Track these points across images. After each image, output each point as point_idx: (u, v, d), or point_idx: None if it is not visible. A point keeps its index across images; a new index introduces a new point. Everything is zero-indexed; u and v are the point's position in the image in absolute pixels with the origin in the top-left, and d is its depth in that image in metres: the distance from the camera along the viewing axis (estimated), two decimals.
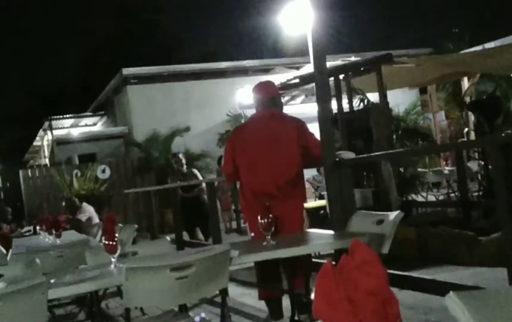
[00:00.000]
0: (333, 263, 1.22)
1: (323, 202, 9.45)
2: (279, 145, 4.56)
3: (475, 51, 13.22)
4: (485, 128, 9.04)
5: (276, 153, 4.55)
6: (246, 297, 6.21)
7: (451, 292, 1.36)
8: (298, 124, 4.69)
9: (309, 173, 14.71)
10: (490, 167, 8.14)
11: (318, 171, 12.56)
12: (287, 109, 5.34)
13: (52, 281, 3.13)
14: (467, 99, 14.03)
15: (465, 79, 14.96)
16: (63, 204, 11.32)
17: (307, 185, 13.17)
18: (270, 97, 4.76)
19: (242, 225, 13.10)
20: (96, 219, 9.57)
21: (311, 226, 4.89)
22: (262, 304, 4.98)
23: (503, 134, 8.85)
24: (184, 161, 10.30)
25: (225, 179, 5.63)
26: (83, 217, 9.44)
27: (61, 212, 11.92)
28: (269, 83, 4.99)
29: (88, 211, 9.68)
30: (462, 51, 14.51)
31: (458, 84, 16.17)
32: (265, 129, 4.63)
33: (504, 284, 3.61)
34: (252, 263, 4.65)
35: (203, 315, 3.16)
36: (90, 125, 22.87)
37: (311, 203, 11.35)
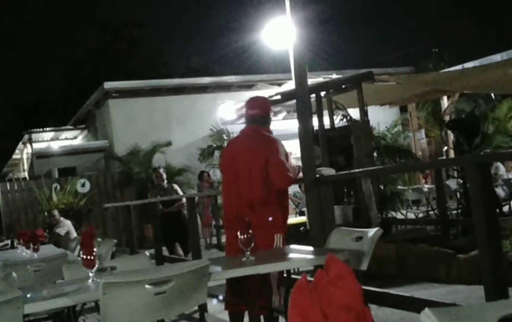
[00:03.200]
0: (309, 278, 1.23)
1: (303, 218, 9.47)
2: (248, 167, 4.42)
3: (455, 71, 13.40)
4: (464, 147, 9.14)
5: (245, 173, 4.43)
6: (225, 313, 6.17)
7: (426, 309, 1.37)
8: (265, 144, 4.48)
9: (291, 189, 14.73)
10: (468, 185, 8.22)
11: (300, 187, 12.59)
12: None
13: (28, 295, 3.08)
14: (447, 118, 14.19)
15: (445, 98, 15.17)
16: (46, 214, 11.20)
17: None
18: (260, 114, 4.60)
19: (223, 241, 13.06)
20: (74, 233, 9.50)
21: (292, 242, 4.89)
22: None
23: (481, 153, 8.97)
24: (165, 176, 10.27)
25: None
26: (61, 231, 9.36)
27: (40, 226, 11.80)
28: (258, 100, 4.83)
29: (67, 225, 9.61)
30: (442, 71, 14.73)
31: (438, 103, 16.39)
32: (239, 149, 4.54)
33: (481, 301, 3.64)
34: None
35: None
36: (71, 138, 22.71)
37: (291, 220, 11.38)
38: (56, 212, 10.34)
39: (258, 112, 4.64)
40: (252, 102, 4.73)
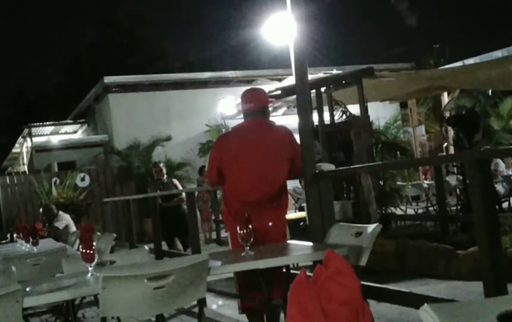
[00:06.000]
0: (308, 273, 1.22)
1: (303, 214, 9.48)
2: (268, 154, 4.48)
3: (455, 67, 13.39)
4: (464, 143, 9.13)
5: (265, 163, 4.46)
6: (225, 308, 6.19)
7: (425, 304, 1.37)
8: (289, 134, 4.61)
9: (291, 185, 14.73)
10: (468, 181, 8.22)
11: (300, 182, 12.59)
12: None
13: (27, 289, 3.08)
14: (447, 114, 14.17)
15: (445, 94, 15.15)
16: (41, 210, 11.17)
17: None
18: (262, 107, 4.62)
19: (222, 236, 13.07)
20: (73, 227, 9.49)
21: (291, 238, 4.89)
22: (240, 316, 4.95)
23: (481, 150, 8.96)
24: (164, 171, 10.27)
25: (210, 185, 5.50)
26: (60, 225, 9.35)
27: (39, 220, 11.80)
28: (260, 92, 4.81)
29: (65, 219, 9.59)
30: (442, 67, 14.71)
31: (438, 99, 16.39)
32: (254, 138, 4.52)
33: (480, 297, 3.64)
34: (230, 274, 4.62)
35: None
36: (70, 133, 22.71)
37: (291, 215, 11.40)
38: (53, 206, 10.31)
39: (262, 105, 4.64)
40: (253, 96, 4.70)
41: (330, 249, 1.38)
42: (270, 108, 4.95)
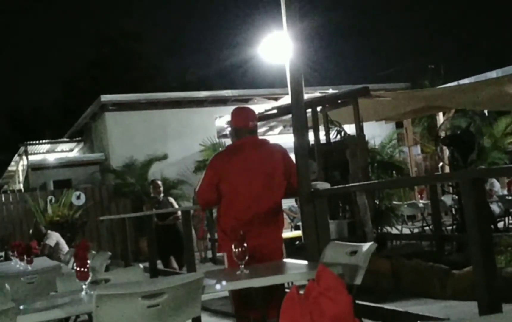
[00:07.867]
0: (301, 292, 1.22)
1: (298, 233, 9.49)
2: (263, 171, 4.51)
3: (450, 87, 13.46)
4: (459, 163, 9.15)
5: (260, 180, 4.48)
6: None
7: None
8: (282, 151, 4.67)
9: (286, 203, 14.75)
10: (463, 200, 8.23)
11: (296, 201, 12.58)
12: None
13: (21, 307, 3.07)
14: (442, 134, 14.23)
15: (440, 114, 15.22)
16: (30, 231, 11.24)
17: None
18: (254, 125, 4.67)
19: (218, 255, 13.02)
20: (64, 243, 9.53)
21: (287, 256, 4.88)
22: None
23: (476, 169, 8.98)
24: (161, 189, 10.27)
25: (200, 207, 5.46)
26: (51, 242, 9.38)
27: (34, 238, 11.78)
28: (250, 111, 4.81)
29: (55, 236, 9.63)
30: (437, 87, 14.80)
31: (434, 119, 16.45)
32: (248, 156, 4.53)
33: (475, 317, 3.63)
34: (226, 293, 4.61)
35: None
36: (67, 151, 22.68)
37: (287, 234, 11.39)
38: (41, 226, 10.45)
39: (255, 124, 4.69)
40: (246, 114, 4.72)
41: (322, 265, 1.38)
42: (266, 127, 5.00)
